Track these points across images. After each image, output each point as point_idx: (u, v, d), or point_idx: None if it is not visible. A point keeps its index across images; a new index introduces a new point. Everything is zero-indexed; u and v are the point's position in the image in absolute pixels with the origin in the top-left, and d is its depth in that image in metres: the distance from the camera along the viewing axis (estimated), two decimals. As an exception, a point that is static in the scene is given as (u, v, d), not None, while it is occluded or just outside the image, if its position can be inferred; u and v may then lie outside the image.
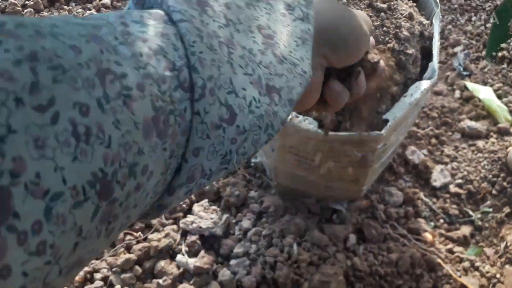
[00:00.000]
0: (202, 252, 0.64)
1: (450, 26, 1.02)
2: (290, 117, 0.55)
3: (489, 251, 0.71)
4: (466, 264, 0.69)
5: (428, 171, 0.79)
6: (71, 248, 0.16)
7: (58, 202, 0.15)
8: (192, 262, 0.63)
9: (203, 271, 0.63)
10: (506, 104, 0.87)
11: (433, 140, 0.83)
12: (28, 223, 0.14)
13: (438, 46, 0.61)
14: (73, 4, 0.97)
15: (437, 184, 0.77)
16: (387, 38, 0.58)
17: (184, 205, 0.69)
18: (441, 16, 0.64)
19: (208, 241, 0.67)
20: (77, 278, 0.61)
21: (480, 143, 0.82)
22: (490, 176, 0.78)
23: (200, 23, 0.22)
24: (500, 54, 0.95)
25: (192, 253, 0.65)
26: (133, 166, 0.18)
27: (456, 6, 1.04)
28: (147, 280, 0.63)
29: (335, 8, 0.33)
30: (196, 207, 0.69)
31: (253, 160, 0.77)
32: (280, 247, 0.65)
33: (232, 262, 0.64)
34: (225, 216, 0.68)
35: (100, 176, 0.17)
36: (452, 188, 0.77)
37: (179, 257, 0.64)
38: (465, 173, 0.79)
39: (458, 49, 0.98)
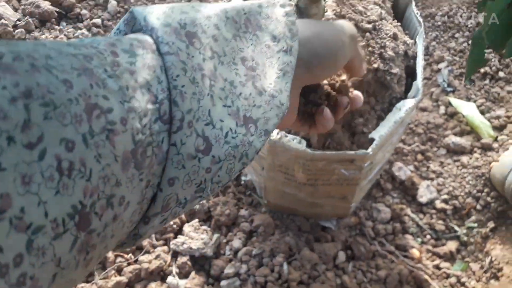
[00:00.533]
0: (193, 273, 0.64)
1: (434, 43, 1.05)
2: (279, 136, 0.56)
3: (474, 266, 0.72)
4: (453, 279, 0.70)
5: (414, 187, 0.80)
6: (50, 279, 0.17)
7: (39, 234, 0.16)
8: (183, 283, 0.63)
9: (193, 292, 0.62)
10: (489, 120, 0.89)
11: (419, 156, 0.85)
12: (10, 256, 0.15)
13: (422, 65, 0.63)
14: (64, 24, 0.97)
15: (423, 200, 0.79)
16: (372, 58, 0.59)
17: (174, 226, 0.70)
18: (424, 36, 0.66)
19: (199, 262, 0.67)
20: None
21: (465, 159, 0.84)
22: (475, 191, 0.79)
23: (186, 55, 0.23)
24: (482, 70, 0.98)
25: (183, 274, 0.65)
26: (111, 198, 0.19)
27: (439, 23, 1.07)
28: (137, 302, 0.63)
29: (311, 27, 0.33)
30: (186, 227, 0.69)
31: (243, 178, 0.77)
32: (270, 267, 0.65)
33: (223, 283, 0.64)
34: (215, 236, 0.68)
35: (79, 208, 0.18)
36: (438, 204, 0.78)
37: (170, 278, 0.64)
38: (451, 188, 0.80)
39: (442, 65, 1.00)
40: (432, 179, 0.82)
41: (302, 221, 0.72)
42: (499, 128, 0.88)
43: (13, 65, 0.16)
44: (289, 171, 0.62)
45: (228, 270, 0.65)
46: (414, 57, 0.64)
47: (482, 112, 0.91)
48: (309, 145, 0.58)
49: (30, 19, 0.92)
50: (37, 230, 0.16)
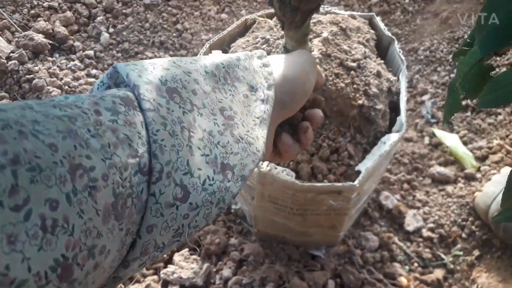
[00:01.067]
0: (183, 303, 0.65)
1: (417, 76, 1.09)
2: (268, 168, 0.57)
3: (461, 294, 0.73)
4: (441, 307, 0.71)
5: (401, 215, 0.82)
6: None
7: None
8: (173, 313, 0.63)
9: (184, 322, 0.63)
10: (471, 151, 0.92)
11: (405, 185, 0.87)
12: None
13: (405, 100, 0.66)
14: (57, 56, 0.99)
15: (410, 228, 0.81)
16: (357, 95, 0.62)
17: (164, 255, 0.70)
18: (407, 72, 0.69)
19: (189, 291, 0.67)
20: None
21: (449, 188, 0.86)
22: (460, 220, 0.81)
23: (166, 110, 0.25)
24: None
25: (173, 304, 0.65)
26: (92, 248, 0.20)
27: (422, 57, 1.12)
28: (127, 333, 0.63)
29: (279, 69, 0.36)
30: (176, 257, 0.69)
31: (233, 206, 0.79)
32: (260, 296, 0.66)
33: (213, 312, 0.64)
34: (205, 265, 0.69)
35: (61, 261, 0.19)
36: (425, 232, 0.80)
37: (160, 308, 0.64)
38: (436, 217, 0.82)
39: (425, 97, 1.04)
40: (418, 208, 0.84)
41: (292, 250, 0.73)
42: (481, 159, 0.91)
43: (2, 134, 0.18)
44: (278, 201, 0.64)
45: (219, 299, 0.65)
46: (398, 93, 0.67)
47: (465, 143, 0.94)
48: (298, 177, 0.59)
49: (23, 51, 0.94)
50: (20, 284, 0.17)
